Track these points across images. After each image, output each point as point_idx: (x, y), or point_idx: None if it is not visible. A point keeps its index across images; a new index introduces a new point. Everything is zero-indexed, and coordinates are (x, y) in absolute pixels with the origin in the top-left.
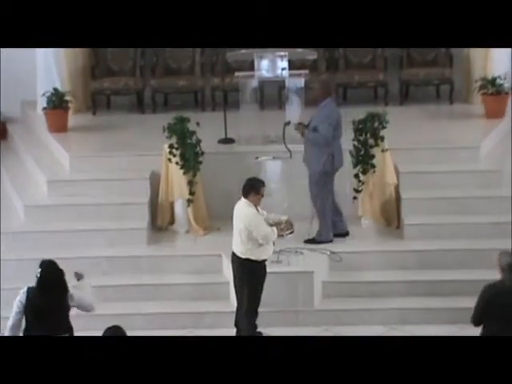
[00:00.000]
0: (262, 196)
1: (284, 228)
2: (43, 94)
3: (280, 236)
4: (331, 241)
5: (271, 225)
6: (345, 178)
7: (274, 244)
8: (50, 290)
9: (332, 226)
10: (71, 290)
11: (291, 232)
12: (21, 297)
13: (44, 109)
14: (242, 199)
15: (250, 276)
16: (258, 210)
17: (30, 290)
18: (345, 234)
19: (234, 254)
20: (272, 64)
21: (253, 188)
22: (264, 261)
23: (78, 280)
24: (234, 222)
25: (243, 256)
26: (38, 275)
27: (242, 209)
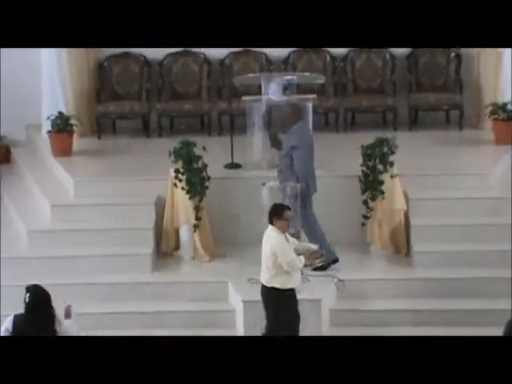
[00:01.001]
0: (287, 220)
1: (313, 257)
2: (48, 118)
3: (309, 265)
4: (337, 259)
5: (300, 253)
6: (353, 204)
7: (302, 273)
8: (36, 316)
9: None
10: (58, 316)
11: (321, 261)
12: (7, 324)
13: (48, 132)
14: (269, 226)
15: (274, 306)
16: (286, 236)
17: (16, 317)
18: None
19: (262, 285)
20: (279, 88)
21: (275, 213)
22: (291, 290)
23: (66, 318)
24: (262, 249)
25: (268, 285)
26: (26, 300)
27: (268, 235)
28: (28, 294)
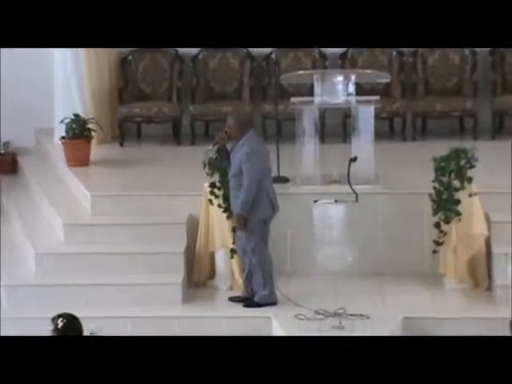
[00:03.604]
0: None
1: None
2: (61, 121)
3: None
4: (275, 302)
5: None
6: (422, 227)
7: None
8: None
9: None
10: None
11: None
12: None
13: (62, 138)
14: None
15: None
16: None
17: None
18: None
19: None
20: (335, 88)
21: None
22: None
23: None
24: None
25: None
26: (58, 326)
27: None
28: (61, 319)
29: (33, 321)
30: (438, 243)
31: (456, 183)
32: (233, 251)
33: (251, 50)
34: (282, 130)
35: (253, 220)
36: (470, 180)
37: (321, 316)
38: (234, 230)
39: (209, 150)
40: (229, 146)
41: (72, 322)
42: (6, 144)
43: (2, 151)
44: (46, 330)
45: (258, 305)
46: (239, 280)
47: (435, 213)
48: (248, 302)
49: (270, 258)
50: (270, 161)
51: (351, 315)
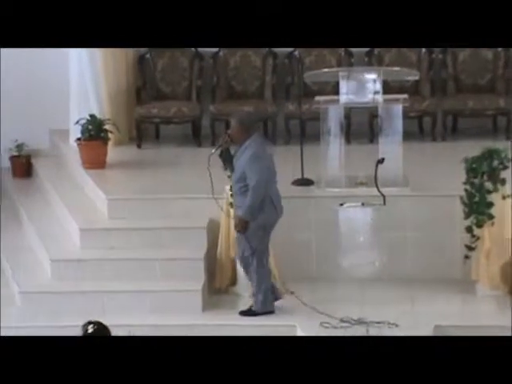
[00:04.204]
0: None
1: None
2: (77, 122)
3: None
4: (273, 311)
5: None
6: (453, 231)
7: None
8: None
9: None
10: None
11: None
12: None
13: (78, 140)
14: None
15: None
16: None
17: None
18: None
19: None
20: (361, 86)
21: None
22: None
23: None
24: None
25: None
26: (87, 331)
27: None
28: (91, 325)
29: (48, 329)
30: (470, 248)
31: (488, 185)
32: None
33: None
34: (306, 130)
35: (254, 225)
36: (503, 182)
37: (347, 324)
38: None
39: (211, 154)
40: (232, 150)
41: (102, 329)
42: (21, 146)
43: (17, 153)
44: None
45: (254, 313)
46: None
47: (467, 216)
48: (245, 311)
49: (269, 268)
50: (274, 164)
51: (378, 323)
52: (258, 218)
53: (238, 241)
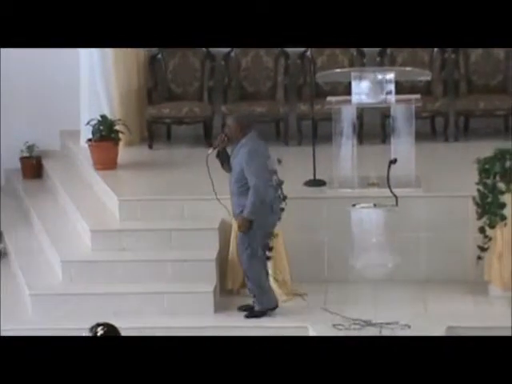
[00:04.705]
0: None
1: None
2: (88, 123)
3: None
4: (276, 306)
5: None
6: (466, 232)
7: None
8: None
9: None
10: None
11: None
12: None
13: (89, 141)
14: None
15: None
16: None
17: None
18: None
19: None
20: (374, 87)
21: None
22: None
23: None
24: None
25: None
26: (97, 334)
27: None
28: (101, 327)
29: (59, 331)
30: (482, 249)
31: (501, 186)
32: (267, 258)
33: None
34: (318, 131)
35: (254, 226)
36: None
37: (360, 325)
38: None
39: (208, 154)
40: (229, 151)
41: (111, 331)
42: (31, 147)
43: (27, 154)
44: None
45: (258, 314)
46: (274, 288)
47: (480, 217)
48: (248, 311)
49: (266, 270)
50: (272, 163)
51: (391, 324)
52: (260, 218)
53: (239, 241)
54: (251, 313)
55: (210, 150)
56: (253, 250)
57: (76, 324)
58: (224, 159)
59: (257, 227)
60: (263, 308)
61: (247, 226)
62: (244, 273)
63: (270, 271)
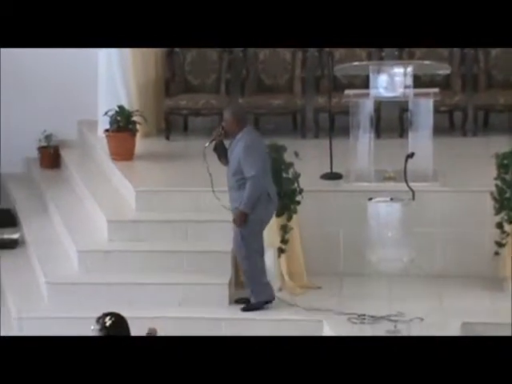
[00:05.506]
0: None
1: None
2: (105, 113)
3: None
4: (273, 299)
5: None
6: (483, 227)
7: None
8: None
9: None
10: None
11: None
12: None
13: (106, 131)
14: None
15: None
16: None
17: None
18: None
19: None
20: (392, 80)
21: None
22: None
23: None
24: None
25: None
26: (105, 328)
27: None
28: (109, 317)
29: (75, 320)
30: (500, 244)
31: None
32: (281, 250)
33: None
34: (336, 124)
35: (251, 219)
36: None
37: (374, 319)
38: (283, 228)
39: (206, 147)
40: (227, 144)
41: (119, 321)
42: (49, 137)
43: (45, 144)
44: (88, 329)
45: (255, 307)
46: (289, 281)
47: (497, 212)
48: (245, 304)
49: (263, 263)
50: (269, 156)
51: (406, 319)
52: (256, 212)
53: (235, 234)
54: (248, 305)
55: (207, 143)
56: (248, 244)
57: (91, 313)
58: (221, 152)
59: (253, 220)
60: (259, 301)
61: (243, 220)
62: (239, 266)
63: (281, 264)
